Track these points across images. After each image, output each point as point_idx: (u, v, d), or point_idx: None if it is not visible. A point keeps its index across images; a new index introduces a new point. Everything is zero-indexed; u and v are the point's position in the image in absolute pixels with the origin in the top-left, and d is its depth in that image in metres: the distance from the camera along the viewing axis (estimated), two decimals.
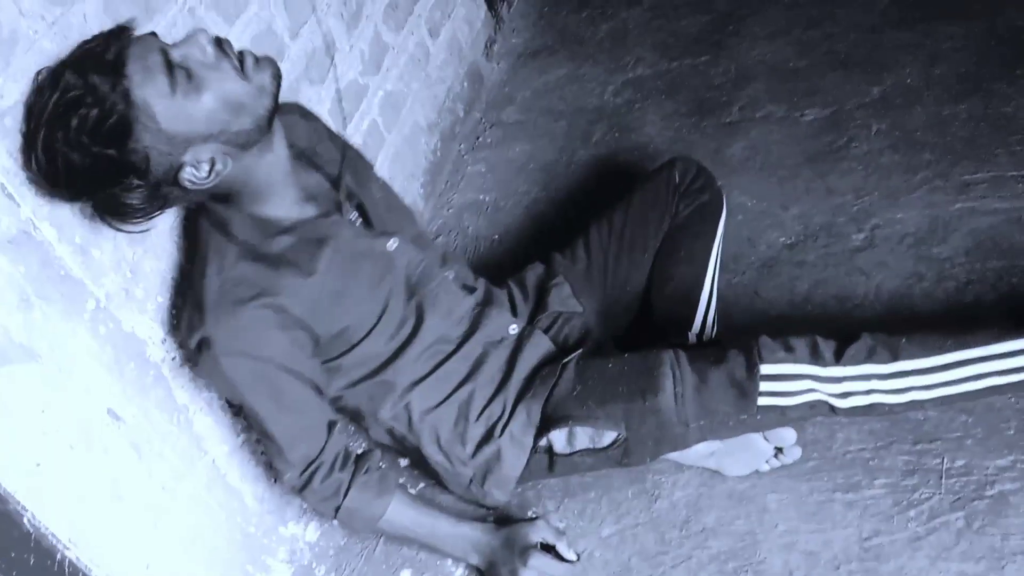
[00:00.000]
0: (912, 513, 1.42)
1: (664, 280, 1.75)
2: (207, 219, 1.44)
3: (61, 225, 1.27)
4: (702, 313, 1.72)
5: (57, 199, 1.25)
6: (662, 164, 1.86)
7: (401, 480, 1.73)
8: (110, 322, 1.35)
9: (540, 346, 1.65)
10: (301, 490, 1.51)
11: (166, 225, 1.48)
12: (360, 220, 1.58)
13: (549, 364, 1.61)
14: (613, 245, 1.79)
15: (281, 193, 1.44)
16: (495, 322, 1.66)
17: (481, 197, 2.38)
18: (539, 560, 1.51)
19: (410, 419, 1.58)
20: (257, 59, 1.31)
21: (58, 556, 1.27)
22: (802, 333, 1.47)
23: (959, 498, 1.41)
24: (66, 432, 1.28)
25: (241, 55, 1.29)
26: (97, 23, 1.33)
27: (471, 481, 1.61)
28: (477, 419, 1.58)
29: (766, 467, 1.54)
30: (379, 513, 1.55)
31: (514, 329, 1.66)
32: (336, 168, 1.60)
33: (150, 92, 1.21)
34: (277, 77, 1.32)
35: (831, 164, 2.02)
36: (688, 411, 1.45)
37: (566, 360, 1.59)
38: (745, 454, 1.53)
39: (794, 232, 1.91)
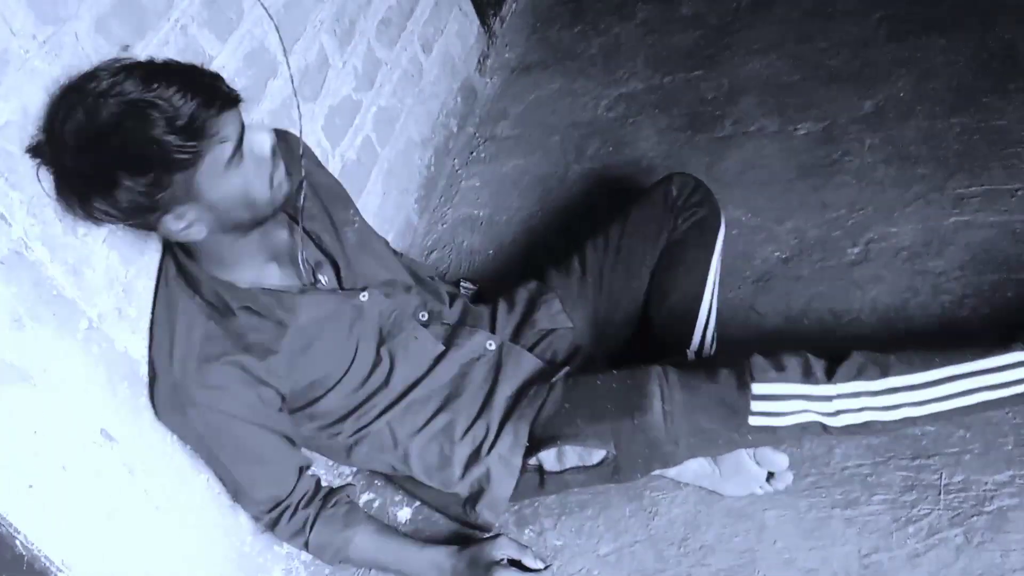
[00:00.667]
0: (911, 529, 1.41)
1: (662, 296, 1.74)
2: (174, 262, 1.46)
3: (53, 245, 1.26)
4: (700, 329, 1.70)
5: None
6: (660, 179, 1.86)
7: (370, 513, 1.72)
8: (103, 342, 1.34)
9: (523, 363, 1.64)
10: (271, 527, 1.58)
11: (158, 245, 1.47)
12: (332, 279, 1.59)
13: (538, 382, 1.60)
14: (609, 260, 1.77)
15: (245, 263, 1.47)
16: (470, 340, 1.65)
17: (475, 212, 2.37)
18: (504, 575, 1.53)
19: (394, 447, 1.58)
20: (288, 173, 1.41)
21: None
22: (795, 350, 1.46)
23: (958, 514, 1.40)
24: (59, 453, 1.27)
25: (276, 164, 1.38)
26: (90, 43, 1.32)
27: (464, 503, 1.60)
28: (462, 439, 1.56)
29: (759, 491, 1.53)
30: (345, 545, 1.58)
31: (491, 345, 1.66)
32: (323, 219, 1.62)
33: (216, 155, 1.27)
34: (289, 195, 1.42)
35: (825, 178, 2.02)
36: (677, 429, 1.44)
37: (554, 379, 1.58)
38: (738, 477, 1.52)
39: (789, 246, 1.91)
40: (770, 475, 1.51)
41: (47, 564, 1.25)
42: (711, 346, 1.72)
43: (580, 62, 2.73)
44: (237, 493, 1.55)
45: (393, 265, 1.71)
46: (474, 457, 1.56)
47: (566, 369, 1.61)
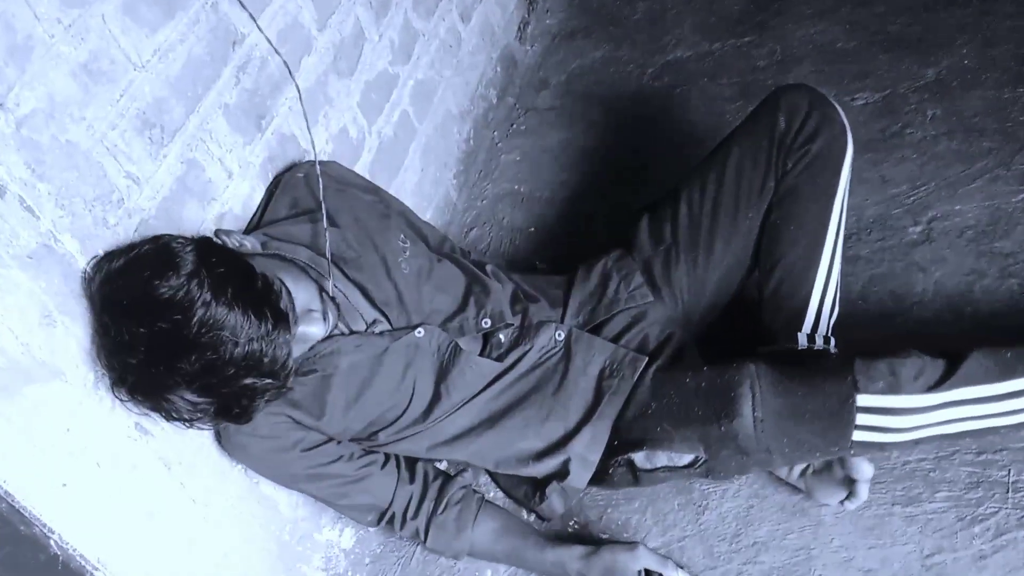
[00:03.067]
0: (977, 529, 1.35)
1: (771, 264, 1.53)
2: None
3: (83, 237, 1.22)
4: (815, 307, 1.51)
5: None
6: (764, 101, 1.59)
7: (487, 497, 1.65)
8: None
9: (595, 350, 1.54)
10: (387, 531, 1.58)
11: (191, 230, 1.43)
12: (385, 323, 1.52)
13: (619, 373, 1.51)
14: (705, 220, 1.58)
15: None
16: (538, 338, 1.56)
17: (516, 187, 2.31)
18: None
19: (466, 447, 1.55)
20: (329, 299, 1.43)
21: None
22: (908, 350, 1.32)
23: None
24: (92, 450, 1.24)
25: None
26: (118, 24, 1.28)
27: (534, 490, 1.57)
28: (536, 436, 1.51)
29: (851, 506, 1.43)
30: (461, 551, 1.54)
31: (560, 336, 1.56)
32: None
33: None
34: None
35: (884, 152, 1.93)
36: (769, 438, 1.33)
37: (636, 375, 1.49)
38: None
39: (847, 225, 1.82)
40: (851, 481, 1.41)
41: (82, 563, 1.23)
42: (829, 326, 1.52)
43: (624, 28, 2.64)
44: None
45: (454, 282, 1.62)
46: (549, 452, 1.50)
47: (657, 364, 1.51)
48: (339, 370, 1.44)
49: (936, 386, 1.27)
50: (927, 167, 1.86)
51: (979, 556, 1.32)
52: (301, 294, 1.36)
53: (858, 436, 1.30)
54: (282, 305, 1.30)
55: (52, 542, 1.19)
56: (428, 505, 1.54)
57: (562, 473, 1.51)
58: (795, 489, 1.49)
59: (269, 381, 1.26)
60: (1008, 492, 1.37)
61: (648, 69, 2.45)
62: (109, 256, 1.24)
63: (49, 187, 1.18)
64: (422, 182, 2.16)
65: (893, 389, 1.28)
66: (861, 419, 1.29)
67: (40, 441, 1.17)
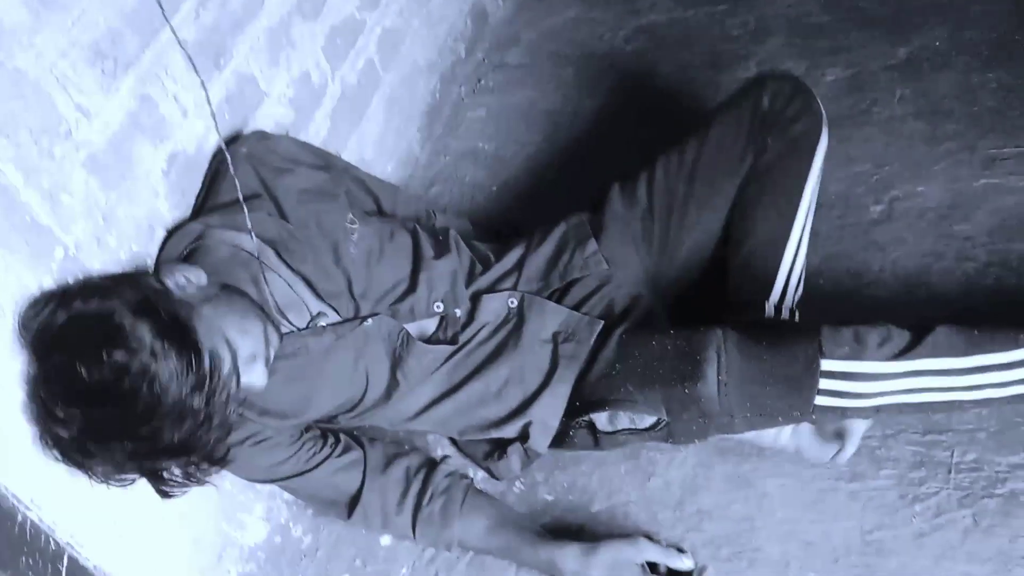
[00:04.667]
0: (918, 508, 1.37)
1: (742, 234, 1.56)
2: None
3: (27, 168, 1.19)
4: (783, 278, 1.53)
5: None
6: (749, 82, 1.64)
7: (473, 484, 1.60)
8: (79, 272, 1.28)
9: (548, 314, 1.52)
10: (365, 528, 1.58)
11: (142, 170, 1.40)
12: (334, 314, 1.49)
13: (576, 337, 1.50)
14: (681, 187, 1.59)
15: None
16: (490, 307, 1.54)
17: (480, 145, 2.29)
18: None
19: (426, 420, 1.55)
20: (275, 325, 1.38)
21: (19, 518, 1.22)
22: (875, 321, 1.33)
23: (968, 495, 1.36)
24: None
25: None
26: None
27: (493, 451, 1.57)
28: (494, 403, 1.50)
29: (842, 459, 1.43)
30: (451, 540, 1.50)
31: (513, 303, 1.54)
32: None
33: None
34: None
35: (851, 129, 1.93)
36: (732, 402, 1.34)
37: (592, 339, 1.48)
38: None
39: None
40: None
41: (15, 503, 1.20)
42: (795, 298, 1.55)
43: None
44: None
45: (404, 260, 1.58)
46: (509, 418, 1.49)
47: (624, 327, 1.50)
48: (283, 374, 1.40)
49: (901, 354, 1.29)
50: (892, 147, 1.86)
51: (919, 534, 1.35)
52: (248, 342, 1.31)
53: (820, 400, 1.31)
54: (221, 385, 1.23)
55: None
56: (411, 499, 1.50)
57: (523, 436, 1.50)
58: (741, 460, 1.50)
59: (213, 438, 1.22)
60: (950, 473, 1.39)
61: (620, 32, 2.43)
62: (48, 305, 1.19)
63: None
64: (385, 134, 2.13)
65: (857, 355, 1.29)
66: (824, 384, 1.30)
67: None
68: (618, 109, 2.22)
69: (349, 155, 1.97)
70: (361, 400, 1.50)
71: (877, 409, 1.33)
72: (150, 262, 1.41)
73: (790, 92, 1.57)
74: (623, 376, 1.43)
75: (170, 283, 1.31)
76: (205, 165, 1.54)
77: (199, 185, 1.52)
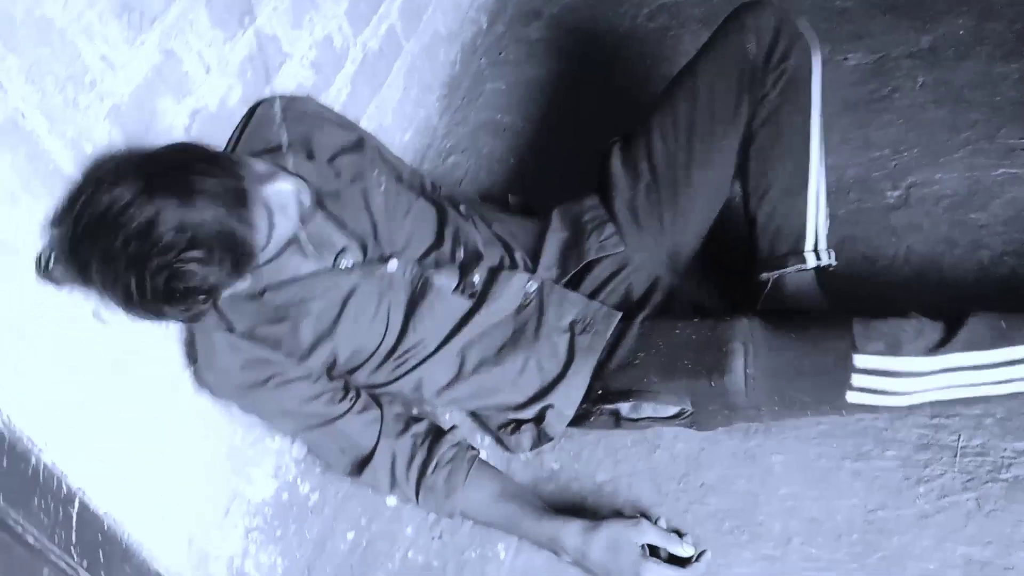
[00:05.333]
0: (922, 489, 1.38)
1: (762, 187, 1.52)
2: None
3: (52, 116, 1.19)
4: (813, 221, 1.51)
5: None
6: (726, 25, 1.55)
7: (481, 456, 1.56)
8: None
9: (567, 304, 1.52)
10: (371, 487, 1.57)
11: (164, 124, 1.40)
12: (358, 255, 1.50)
13: (593, 326, 1.49)
14: (681, 152, 1.55)
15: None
16: (508, 288, 1.52)
17: (499, 117, 2.28)
18: (654, 571, 1.35)
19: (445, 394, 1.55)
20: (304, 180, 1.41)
21: (33, 460, 1.23)
22: (906, 313, 1.31)
23: (972, 478, 1.36)
24: (46, 334, 1.23)
25: None
26: None
27: (507, 424, 1.57)
28: (512, 389, 1.51)
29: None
30: (452, 509, 1.48)
31: (532, 287, 1.53)
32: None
33: None
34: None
35: (871, 115, 1.92)
36: (760, 395, 1.33)
37: (610, 331, 1.47)
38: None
39: (826, 183, 1.82)
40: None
41: (29, 445, 1.21)
42: (826, 232, 1.53)
43: None
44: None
45: (429, 218, 1.60)
46: (527, 404, 1.50)
47: (644, 313, 1.48)
48: (310, 314, 1.44)
49: (936, 348, 1.27)
50: (911, 133, 1.86)
51: (922, 515, 1.35)
52: (277, 191, 1.33)
53: (852, 398, 1.30)
54: (243, 187, 1.26)
55: (0, 423, 1.18)
56: (416, 467, 1.48)
57: (539, 418, 1.51)
58: (746, 436, 1.50)
59: (225, 257, 1.25)
60: (956, 456, 1.40)
61: (643, 9, 2.41)
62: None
63: (19, 61, 1.14)
64: (404, 102, 2.13)
65: (893, 350, 1.27)
66: (857, 380, 1.28)
67: None
68: (638, 86, 2.21)
69: (368, 121, 1.97)
70: (379, 345, 1.49)
71: (910, 408, 1.32)
72: None
73: (774, 26, 1.49)
74: (646, 366, 1.42)
75: None
76: (226, 123, 1.54)
77: (221, 143, 1.53)
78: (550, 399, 1.48)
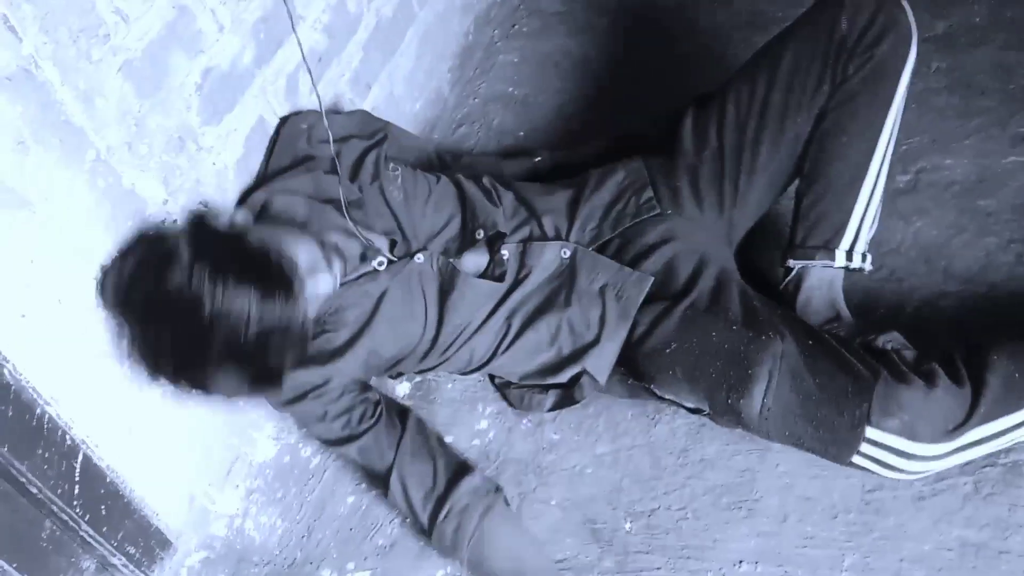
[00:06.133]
0: None
1: (816, 172, 1.48)
2: None
3: (65, 67, 1.19)
4: (857, 220, 1.47)
5: None
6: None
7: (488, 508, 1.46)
8: (110, 176, 1.29)
9: (598, 270, 1.50)
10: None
11: (176, 81, 1.39)
12: (382, 255, 1.52)
13: (625, 292, 1.47)
14: (752, 121, 1.49)
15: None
16: (542, 259, 1.53)
17: (510, 90, 2.27)
18: None
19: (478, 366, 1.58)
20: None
21: (38, 411, 1.23)
22: (931, 373, 1.27)
23: (970, 462, 1.35)
24: (55, 285, 1.23)
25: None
26: None
27: (525, 396, 1.58)
28: (550, 352, 1.51)
29: None
30: (459, 561, 1.42)
31: (566, 254, 1.53)
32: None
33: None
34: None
35: None
36: (771, 426, 1.33)
37: (641, 296, 1.46)
38: None
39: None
40: None
41: (34, 396, 1.22)
42: (868, 239, 1.51)
43: None
44: None
45: (448, 200, 1.62)
46: (562, 365, 1.50)
47: (691, 299, 1.44)
48: (347, 324, 1.47)
49: (955, 430, 1.25)
50: (923, 118, 1.85)
51: (918, 497, 1.35)
52: (302, 255, 1.37)
53: (858, 460, 1.30)
54: (285, 272, 1.29)
55: (5, 371, 1.18)
56: (430, 508, 1.42)
57: (570, 384, 1.51)
58: None
59: (291, 348, 1.31)
60: None
61: None
62: (114, 263, 1.29)
63: (35, 10, 1.13)
64: (415, 71, 2.11)
65: (908, 433, 1.26)
66: (866, 448, 1.28)
67: (1, 268, 1.15)
68: (651, 63, 2.20)
69: (379, 89, 1.96)
70: (420, 338, 1.52)
71: (912, 483, 1.34)
72: (179, 173, 1.42)
73: (872, 9, 1.41)
74: (675, 358, 1.40)
75: (216, 223, 1.41)
76: (238, 82, 1.53)
77: (231, 103, 1.52)
78: (584, 363, 1.47)
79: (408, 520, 1.51)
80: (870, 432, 1.26)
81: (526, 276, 1.52)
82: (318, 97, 1.59)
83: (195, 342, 1.24)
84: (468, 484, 1.42)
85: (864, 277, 1.59)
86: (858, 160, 1.47)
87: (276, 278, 1.28)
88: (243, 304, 1.23)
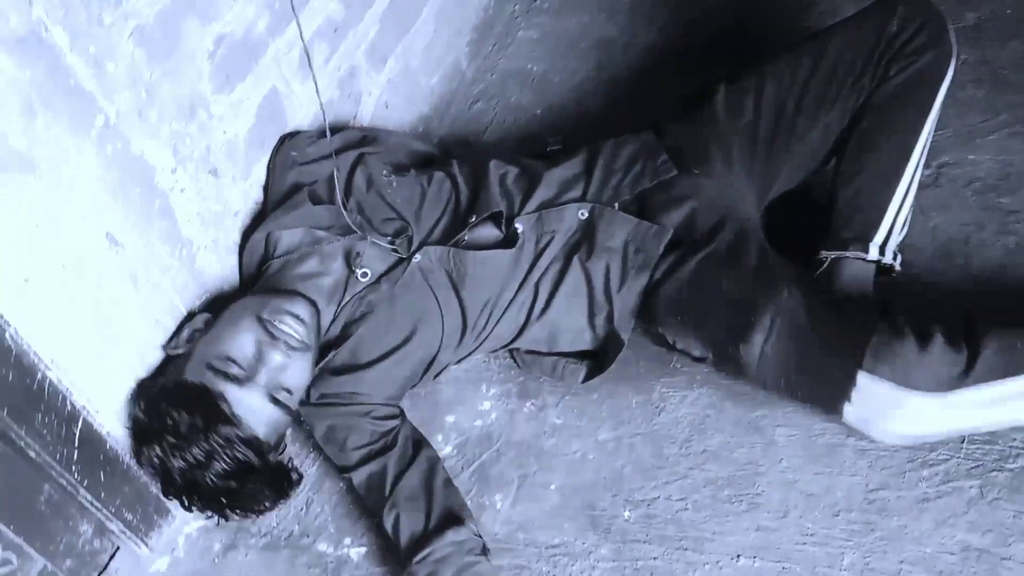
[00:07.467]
0: (925, 472, 1.36)
1: (855, 168, 1.51)
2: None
3: (75, 31, 1.18)
4: (891, 217, 1.49)
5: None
6: (876, 5, 1.53)
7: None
8: (118, 142, 1.28)
9: (616, 225, 1.50)
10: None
11: (189, 48, 1.38)
12: (384, 257, 1.54)
13: (645, 246, 1.48)
14: (791, 101, 1.54)
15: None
16: (562, 222, 1.53)
17: (529, 66, 2.25)
18: None
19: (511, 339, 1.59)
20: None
21: (39, 376, 1.24)
22: (929, 330, 1.26)
23: (978, 466, 1.34)
24: (59, 251, 1.23)
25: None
26: None
27: (558, 366, 1.59)
28: (580, 311, 1.52)
29: None
30: None
31: (583, 215, 1.53)
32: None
33: None
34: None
35: None
36: (767, 373, 1.34)
37: (660, 248, 1.47)
38: None
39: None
40: None
41: (35, 360, 1.22)
42: (901, 238, 1.53)
43: None
44: None
45: (443, 195, 1.62)
46: (592, 318, 1.52)
47: (707, 250, 1.45)
48: (361, 334, 1.49)
49: (950, 384, 1.24)
50: (948, 112, 1.79)
51: (923, 499, 1.33)
52: (245, 339, 1.38)
53: (849, 414, 1.30)
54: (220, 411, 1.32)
55: (7, 335, 1.18)
56: (414, 543, 1.38)
57: (600, 349, 1.54)
58: (753, 406, 1.48)
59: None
60: (962, 443, 1.37)
61: None
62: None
63: None
64: (433, 44, 2.09)
65: (901, 380, 1.25)
66: (858, 400, 1.28)
67: (5, 231, 1.14)
68: (670, 45, 2.17)
69: (395, 62, 1.95)
70: (443, 334, 1.52)
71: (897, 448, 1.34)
72: (189, 141, 1.41)
73: (922, 20, 1.48)
74: (686, 305, 1.43)
75: (169, 345, 1.44)
76: (252, 51, 1.52)
77: (244, 72, 1.51)
78: (612, 318, 1.49)
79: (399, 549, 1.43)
80: (862, 378, 1.26)
81: (549, 242, 1.52)
82: (320, 102, 1.61)
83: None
84: (454, 536, 1.37)
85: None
86: (897, 158, 1.50)
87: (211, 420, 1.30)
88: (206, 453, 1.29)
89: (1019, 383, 1.25)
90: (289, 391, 1.40)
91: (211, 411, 1.30)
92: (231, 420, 1.31)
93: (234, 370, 1.35)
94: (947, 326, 1.29)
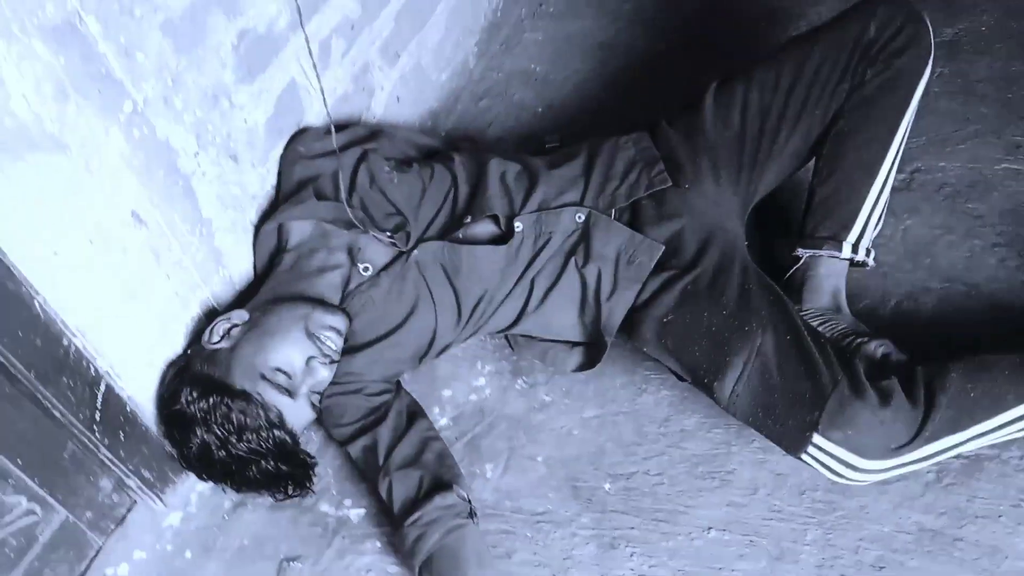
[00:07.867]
0: None
1: (831, 167, 1.51)
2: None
3: (108, 22, 1.18)
4: (865, 216, 1.50)
5: None
6: (857, 6, 1.50)
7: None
8: (145, 127, 1.29)
9: (611, 234, 1.49)
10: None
11: (214, 40, 1.39)
12: (384, 251, 1.54)
13: (636, 257, 1.47)
14: (775, 109, 1.52)
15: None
16: (559, 222, 1.51)
17: (533, 67, 2.25)
18: None
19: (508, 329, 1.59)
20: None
21: (65, 342, 1.25)
22: (887, 390, 1.26)
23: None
24: (87, 227, 1.24)
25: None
26: None
27: (549, 351, 1.59)
28: (572, 309, 1.52)
29: None
30: (411, 566, 1.37)
31: (580, 218, 1.51)
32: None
33: None
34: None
35: None
36: (738, 410, 1.35)
37: (653, 262, 1.46)
38: None
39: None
40: None
41: (63, 328, 1.24)
42: (873, 236, 1.54)
43: None
44: None
45: (441, 192, 1.61)
46: (581, 317, 1.52)
47: (695, 274, 1.43)
48: (361, 330, 1.51)
49: (899, 449, 1.25)
50: (922, 121, 1.81)
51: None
52: (295, 352, 1.41)
53: (807, 459, 1.30)
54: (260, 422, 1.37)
55: (36, 303, 1.20)
56: (406, 507, 1.39)
57: (592, 339, 1.53)
58: None
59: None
60: None
61: None
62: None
63: None
64: (444, 42, 2.10)
65: (853, 447, 1.26)
66: (814, 452, 1.28)
67: (37, 207, 1.16)
68: (670, 50, 2.17)
69: (408, 58, 1.95)
70: (437, 324, 1.53)
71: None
72: (211, 128, 1.42)
73: (901, 21, 1.45)
74: (668, 329, 1.41)
75: (210, 339, 1.43)
76: (273, 46, 1.53)
77: (265, 64, 1.52)
78: (600, 323, 1.49)
79: (393, 515, 1.44)
80: (818, 439, 1.27)
81: (547, 241, 1.51)
82: (324, 100, 1.60)
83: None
84: (441, 500, 1.37)
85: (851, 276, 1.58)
86: (871, 159, 1.49)
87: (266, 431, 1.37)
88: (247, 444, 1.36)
89: (959, 436, 1.26)
90: (319, 394, 1.45)
91: (261, 416, 1.36)
92: (278, 425, 1.37)
93: (282, 380, 1.39)
94: (908, 376, 1.29)
